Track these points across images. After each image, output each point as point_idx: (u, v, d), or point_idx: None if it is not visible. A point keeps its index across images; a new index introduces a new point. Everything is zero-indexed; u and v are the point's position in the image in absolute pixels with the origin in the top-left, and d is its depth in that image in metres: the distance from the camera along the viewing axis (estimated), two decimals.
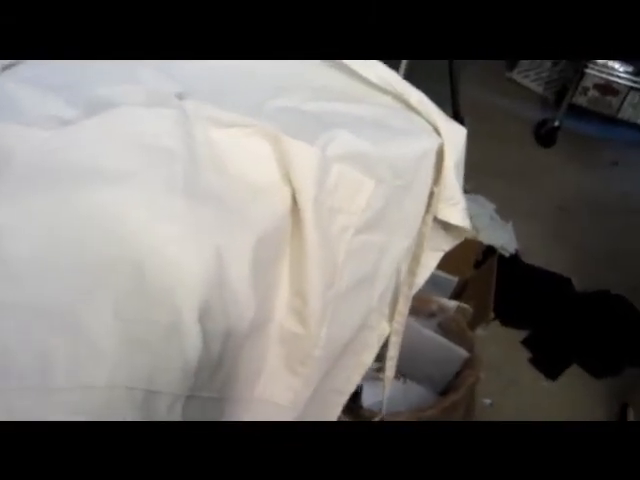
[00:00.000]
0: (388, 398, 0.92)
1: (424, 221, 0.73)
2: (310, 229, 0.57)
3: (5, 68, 0.66)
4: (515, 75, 2.97)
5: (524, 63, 2.96)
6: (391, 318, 0.77)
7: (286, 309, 0.61)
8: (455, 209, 0.72)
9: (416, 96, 0.72)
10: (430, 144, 0.69)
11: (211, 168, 0.56)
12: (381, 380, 0.87)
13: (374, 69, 0.74)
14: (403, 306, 0.76)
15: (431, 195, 0.72)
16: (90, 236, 0.50)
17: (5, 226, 0.49)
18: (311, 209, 0.57)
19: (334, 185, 0.60)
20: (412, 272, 0.76)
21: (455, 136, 0.70)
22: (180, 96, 0.61)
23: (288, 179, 0.57)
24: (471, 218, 1.73)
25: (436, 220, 0.74)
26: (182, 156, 0.54)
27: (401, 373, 1.18)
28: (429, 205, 0.72)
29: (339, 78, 0.75)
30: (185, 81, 0.68)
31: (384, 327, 0.76)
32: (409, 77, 1.50)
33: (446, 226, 0.75)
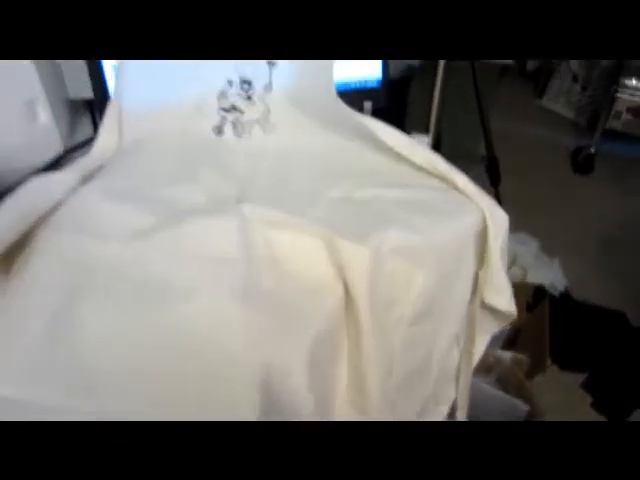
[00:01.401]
0: None
1: (472, 302, 0.73)
2: (366, 324, 0.58)
3: (84, 181, 0.69)
4: (545, 102, 2.94)
5: (553, 89, 2.93)
6: (446, 402, 0.76)
7: (346, 406, 0.62)
8: (502, 296, 0.72)
9: (461, 179, 0.72)
10: (475, 227, 0.69)
11: (269, 270, 0.59)
12: None
13: (419, 152, 0.75)
14: (465, 383, 0.74)
15: (476, 277, 0.72)
16: (165, 349, 0.53)
17: (91, 340, 0.52)
18: (367, 304, 0.58)
19: (388, 279, 0.61)
20: (469, 351, 0.76)
21: (499, 221, 0.71)
22: (239, 199, 0.67)
23: (342, 277, 0.59)
24: (516, 258, 1.70)
25: (483, 303, 0.74)
26: (242, 264, 0.58)
27: None
28: (475, 288, 0.72)
29: (386, 162, 0.77)
30: (243, 176, 0.75)
31: (441, 410, 0.76)
32: (441, 109, 1.48)
33: (492, 310, 0.74)
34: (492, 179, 1.80)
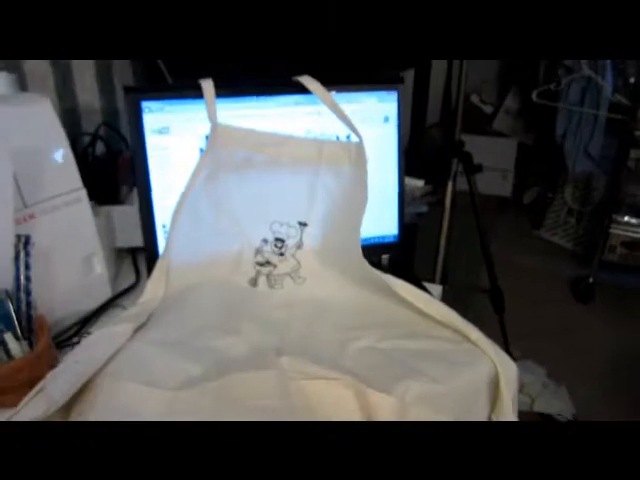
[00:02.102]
0: None
1: None
2: None
3: (137, 330, 0.81)
4: (543, 233, 3.11)
5: (550, 221, 3.12)
6: None
7: None
8: None
9: (475, 333, 0.82)
10: (488, 376, 0.78)
11: (302, 417, 0.67)
12: None
13: (436, 307, 0.85)
14: None
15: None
16: None
17: None
18: None
19: None
20: None
21: (509, 371, 0.79)
22: (278, 350, 0.76)
23: (367, 419, 0.67)
24: (524, 386, 1.77)
25: None
26: (281, 413, 0.66)
27: None
28: None
29: (406, 315, 0.88)
30: (278, 325, 0.86)
31: None
32: (446, 258, 1.62)
33: None
34: (497, 309, 1.91)
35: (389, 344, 0.81)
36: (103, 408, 0.68)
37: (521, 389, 1.78)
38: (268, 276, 0.96)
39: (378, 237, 1.07)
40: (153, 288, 0.91)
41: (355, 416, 0.68)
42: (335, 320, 0.88)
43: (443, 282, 1.50)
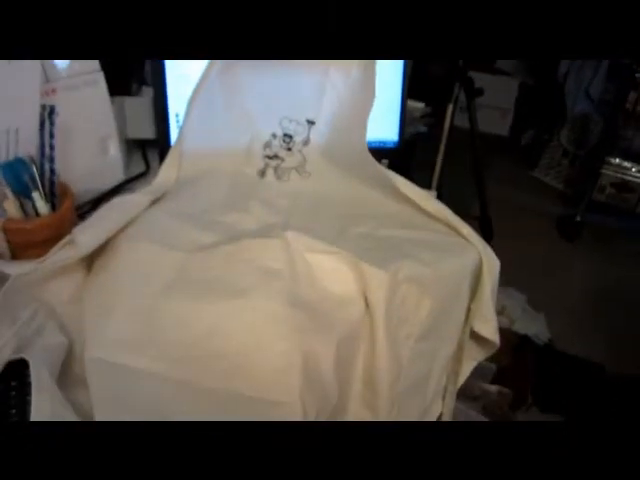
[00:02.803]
0: None
1: (463, 331, 0.87)
2: (381, 335, 0.73)
3: (153, 202, 0.86)
4: (537, 174, 3.16)
5: (544, 163, 3.16)
6: (433, 416, 0.88)
7: (359, 401, 0.75)
8: (489, 325, 0.85)
9: (466, 229, 0.88)
10: (473, 265, 0.85)
11: (307, 283, 0.74)
12: None
13: (432, 203, 0.92)
14: (450, 401, 0.88)
15: (469, 310, 0.86)
16: (225, 332, 0.69)
17: (173, 322, 0.70)
18: (382, 320, 0.73)
19: (401, 301, 0.76)
20: (456, 372, 0.89)
21: (492, 263, 0.86)
22: (283, 227, 0.82)
23: (364, 295, 0.74)
24: (505, 309, 1.86)
25: (472, 333, 0.88)
26: (286, 275, 0.74)
27: None
28: (467, 318, 0.87)
29: (403, 209, 0.94)
30: (283, 211, 0.92)
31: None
32: (442, 171, 1.67)
33: (479, 339, 0.88)
34: (485, 235, 1.99)
35: (385, 232, 0.88)
36: (121, 266, 0.75)
37: (502, 311, 1.87)
38: (276, 169, 1.01)
39: (379, 142, 1.11)
40: (166, 172, 0.95)
41: (350, 287, 0.75)
42: (336, 210, 0.93)
43: None
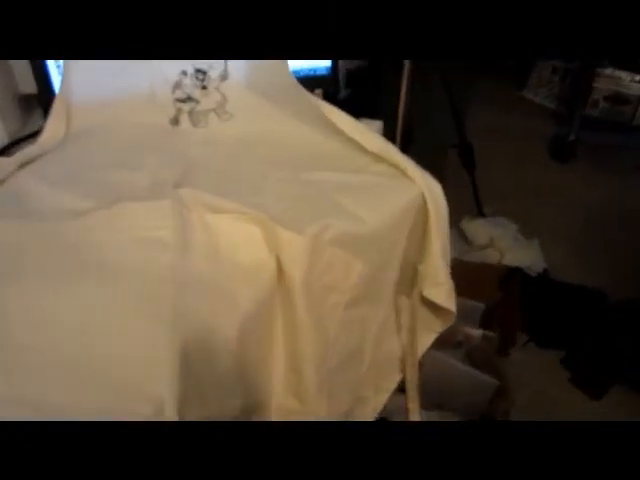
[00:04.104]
0: None
1: (411, 295, 0.75)
2: (302, 310, 0.61)
3: (22, 165, 0.74)
4: (526, 93, 2.97)
5: (533, 81, 2.97)
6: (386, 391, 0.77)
7: (283, 387, 0.64)
8: (440, 289, 0.73)
9: (409, 165, 0.75)
10: (411, 209, 0.72)
11: (202, 254, 0.61)
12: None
13: (371, 138, 0.78)
14: (412, 376, 0.77)
15: (415, 271, 0.74)
16: (90, 329, 0.54)
17: (16, 322, 0.54)
18: (301, 292, 0.61)
19: (327, 266, 0.64)
20: (412, 345, 0.77)
21: (440, 209, 0.73)
22: (178, 184, 0.68)
23: (276, 259, 0.61)
24: (493, 240, 1.73)
25: (426, 301, 0.76)
26: (173, 246, 0.59)
27: (435, 404, 1.17)
28: (414, 281, 0.75)
29: (337, 147, 0.80)
30: (195, 163, 0.77)
31: (380, 399, 0.76)
32: (412, 105, 1.51)
33: (434, 307, 0.76)
34: (466, 164, 1.83)
35: (312, 176, 0.74)
36: None
37: (491, 243, 1.74)
38: (190, 113, 0.87)
39: (309, 69, 0.96)
40: (52, 128, 0.82)
41: (262, 254, 0.62)
42: (260, 154, 0.80)
43: (407, 140, 1.40)
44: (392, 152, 0.77)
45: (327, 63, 0.96)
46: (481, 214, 1.87)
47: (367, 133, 0.80)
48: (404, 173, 0.75)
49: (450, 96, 1.65)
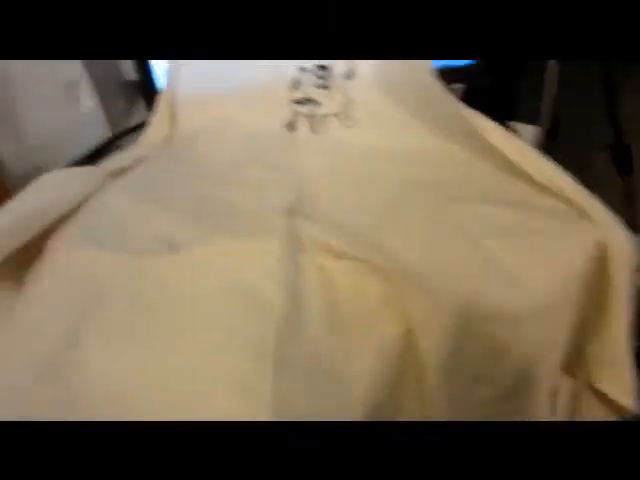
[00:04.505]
0: None
1: (576, 376, 0.56)
2: (440, 404, 0.47)
3: (116, 174, 0.62)
4: None
5: None
6: None
7: None
8: (617, 384, 0.54)
9: (590, 205, 0.55)
10: (590, 271, 0.52)
11: (316, 320, 0.45)
12: None
13: (542, 167, 0.58)
14: None
15: (581, 345, 0.54)
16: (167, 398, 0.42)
17: (93, 377, 0.44)
18: (442, 384, 0.46)
19: (474, 351, 0.47)
20: None
21: (622, 256, 0.52)
22: (291, 211, 0.53)
23: (407, 333, 0.46)
24: None
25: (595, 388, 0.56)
26: (279, 309, 0.44)
27: None
28: (581, 360, 0.55)
29: (489, 170, 0.62)
30: (305, 178, 0.62)
31: None
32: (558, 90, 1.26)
33: (608, 398, 0.55)
34: (621, 169, 1.56)
35: (460, 210, 0.55)
36: (54, 281, 0.50)
37: None
38: (309, 118, 0.71)
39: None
40: (155, 129, 0.71)
41: (391, 326, 0.46)
42: (392, 174, 0.62)
43: (552, 136, 1.17)
44: (566, 184, 0.57)
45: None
46: (635, 229, 1.60)
47: (532, 155, 0.60)
48: (581, 214, 0.55)
49: (609, 91, 1.39)
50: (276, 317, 0.44)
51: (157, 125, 0.71)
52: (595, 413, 0.56)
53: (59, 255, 0.51)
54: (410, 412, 0.47)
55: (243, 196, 0.58)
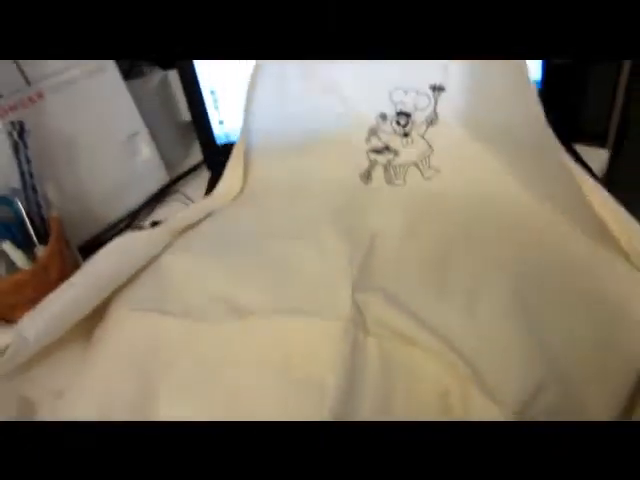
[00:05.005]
0: None
1: None
2: None
3: (178, 236, 0.60)
4: None
5: None
6: None
7: None
8: None
9: None
10: None
11: (370, 405, 0.43)
12: None
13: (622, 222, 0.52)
14: None
15: None
16: None
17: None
18: None
19: None
20: None
21: None
22: (357, 284, 0.51)
23: None
24: None
25: None
26: (335, 394, 0.42)
27: None
28: None
29: (582, 241, 0.54)
30: (374, 237, 0.58)
31: None
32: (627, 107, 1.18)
33: None
34: None
35: (542, 290, 0.49)
36: (120, 344, 0.50)
37: None
38: (386, 167, 0.66)
39: None
40: (227, 181, 0.68)
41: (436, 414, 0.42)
42: (475, 236, 0.57)
43: (614, 160, 1.08)
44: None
45: (536, 75, 0.71)
46: None
47: (623, 217, 0.53)
48: None
49: None
50: (330, 401, 0.42)
51: (229, 178, 0.67)
52: None
53: (122, 318, 0.51)
54: None
55: (311, 257, 0.55)
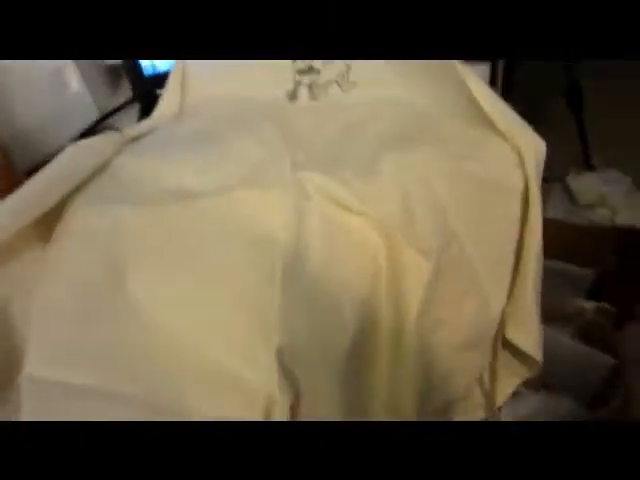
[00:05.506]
0: (530, 410, 0.89)
1: (495, 335, 0.62)
2: (411, 342, 0.55)
3: (133, 140, 0.68)
4: None
5: None
6: None
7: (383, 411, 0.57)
8: (527, 337, 0.60)
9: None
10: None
11: (314, 259, 0.53)
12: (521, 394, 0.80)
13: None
14: None
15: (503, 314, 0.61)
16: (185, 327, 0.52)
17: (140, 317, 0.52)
18: (414, 325, 0.54)
19: (442, 297, 0.55)
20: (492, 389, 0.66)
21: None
22: (296, 164, 0.60)
23: (395, 284, 0.54)
24: (604, 197, 1.58)
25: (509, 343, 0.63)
26: (287, 249, 0.53)
27: (543, 385, 1.10)
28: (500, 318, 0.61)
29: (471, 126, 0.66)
30: (308, 134, 0.68)
31: None
32: None
33: (520, 352, 0.62)
34: (573, 106, 1.66)
35: (447, 165, 0.60)
36: (76, 236, 0.57)
37: (602, 202, 1.58)
38: (310, 86, 0.77)
39: None
40: (167, 103, 0.77)
41: (376, 271, 0.54)
42: (383, 131, 0.67)
43: (508, 82, 1.23)
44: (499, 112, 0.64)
45: None
46: (589, 166, 1.71)
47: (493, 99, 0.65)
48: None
49: None
50: (282, 252, 0.52)
51: (168, 99, 0.76)
52: (512, 368, 0.64)
53: (82, 213, 0.57)
54: (387, 344, 0.55)
55: (254, 145, 0.64)
